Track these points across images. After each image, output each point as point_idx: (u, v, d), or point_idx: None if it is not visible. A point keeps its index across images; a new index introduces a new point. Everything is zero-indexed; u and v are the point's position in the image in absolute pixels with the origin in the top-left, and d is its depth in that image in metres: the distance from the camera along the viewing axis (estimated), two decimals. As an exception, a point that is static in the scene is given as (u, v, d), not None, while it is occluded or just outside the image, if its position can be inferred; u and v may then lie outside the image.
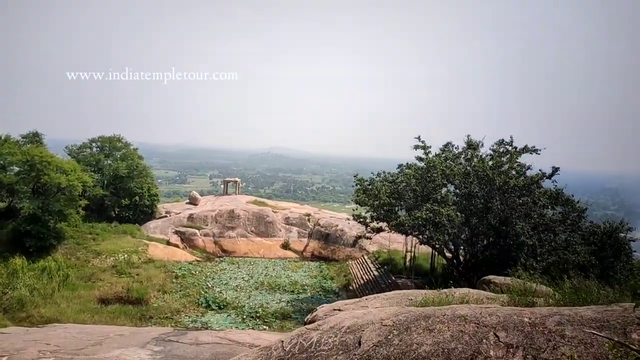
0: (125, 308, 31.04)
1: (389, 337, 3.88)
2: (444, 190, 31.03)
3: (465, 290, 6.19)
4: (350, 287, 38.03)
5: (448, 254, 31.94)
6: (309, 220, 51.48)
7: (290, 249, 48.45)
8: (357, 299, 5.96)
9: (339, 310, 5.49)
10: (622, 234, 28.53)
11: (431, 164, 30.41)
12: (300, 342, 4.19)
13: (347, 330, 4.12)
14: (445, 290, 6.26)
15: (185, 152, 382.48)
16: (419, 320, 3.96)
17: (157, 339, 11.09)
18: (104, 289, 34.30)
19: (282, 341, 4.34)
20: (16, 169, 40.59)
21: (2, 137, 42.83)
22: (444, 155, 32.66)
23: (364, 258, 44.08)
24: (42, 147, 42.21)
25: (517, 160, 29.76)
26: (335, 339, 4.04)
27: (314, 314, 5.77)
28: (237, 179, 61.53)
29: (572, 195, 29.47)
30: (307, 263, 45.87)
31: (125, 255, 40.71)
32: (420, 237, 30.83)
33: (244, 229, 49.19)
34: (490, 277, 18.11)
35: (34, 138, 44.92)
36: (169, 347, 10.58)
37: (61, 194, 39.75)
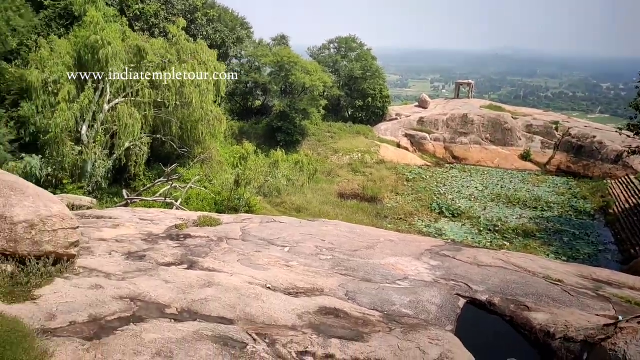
0: (362, 205, 32.34)
1: None
2: None
3: None
4: (611, 211, 31.87)
5: None
6: (556, 129, 44.39)
7: (530, 161, 43.13)
8: None
9: None
10: None
11: None
12: None
13: None
14: None
15: (407, 55, 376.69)
16: None
17: (431, 251, 9.91)
18: (342, 185, 36.40)
19: None
20: (268, 70, 44.61)
21: (257, 41, 47.17)
22: None
23: (629, 178, 36.23)
24: (288, 49, 45.01)
25: None
26: None
27: None
28: (470, 81, 56.45)
29: None
30: (552, 178, 40.22)
31: (359, 155, 42.19)
32: None
33: (477, 135, 45.48)
34: None
35: (282, 40, 48.21)
36: (447, 264, 9.27)
37: (305, 94, 42.43)
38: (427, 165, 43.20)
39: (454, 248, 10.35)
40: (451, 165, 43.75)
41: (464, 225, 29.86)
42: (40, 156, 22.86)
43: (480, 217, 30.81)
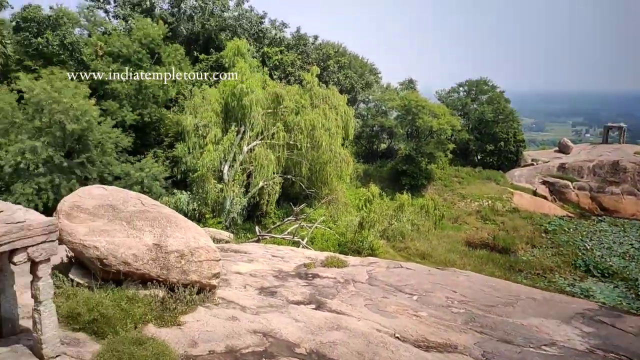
0: (493, 255, 30.09)
1: None
2: None
3: None
4: None
5: None
6: None
7: (703, 216, 36.64)
8: None
9: None
10: None
11: None
12: None
13: None
14: None
15: (543, 96, 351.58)
16: None
17: (583, 315, 8.68)
18: (470, 233, 34.39)
19: None
20: (395, 113, 45.00)
21: (385, 85, 48.12)
22: None
23: None
24: (416, 92, 45.04)
25: None
26: None
27: None
28: (622, 124, 50.48)
29: None
30: None
31: (489, 202, 39.74)
32: None
33: (631, 185, 40.09)
34: None
35: (410, 85, 48.50)
36: (604, 332, 8.02)
37: (431, 137, 41.72)
38: (569, 217, 39.01)
39: (612, 314, 8.93)
40: (599, 218, 38.89)
41: (616, 287, 26.10)
42: (188, 192, 25.48)
43: (637, 279, 26.69)
